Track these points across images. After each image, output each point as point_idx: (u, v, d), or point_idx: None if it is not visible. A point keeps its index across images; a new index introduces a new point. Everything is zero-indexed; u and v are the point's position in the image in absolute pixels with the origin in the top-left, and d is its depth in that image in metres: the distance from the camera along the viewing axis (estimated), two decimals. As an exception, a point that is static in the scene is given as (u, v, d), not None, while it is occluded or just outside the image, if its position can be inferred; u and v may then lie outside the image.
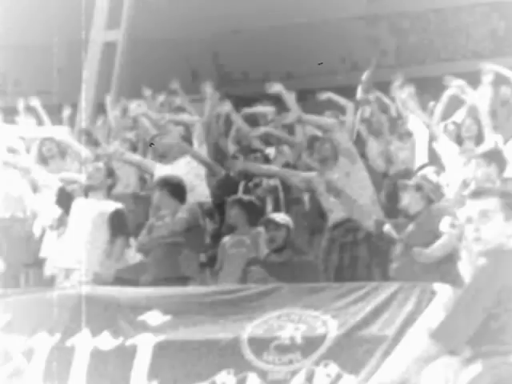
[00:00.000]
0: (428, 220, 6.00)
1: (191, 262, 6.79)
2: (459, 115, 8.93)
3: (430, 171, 6.04)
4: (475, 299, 3.27)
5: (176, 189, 6.99)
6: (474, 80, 8.47)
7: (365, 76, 9.20)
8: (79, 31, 8.96)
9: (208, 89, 9.38)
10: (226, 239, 7.17)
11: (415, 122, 8.64)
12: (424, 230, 5.95)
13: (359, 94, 9.01)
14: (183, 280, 6.56)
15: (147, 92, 9.80)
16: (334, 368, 4.84)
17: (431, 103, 9.10)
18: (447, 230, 5.93)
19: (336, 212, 7.03)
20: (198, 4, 11.51)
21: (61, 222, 7.29)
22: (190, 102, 9.79)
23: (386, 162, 8.59)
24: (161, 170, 7.85)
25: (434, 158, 7.99)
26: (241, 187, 7.91)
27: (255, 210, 7.26)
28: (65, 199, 7.21)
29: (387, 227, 6.20)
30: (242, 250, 6.97)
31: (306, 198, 7.97)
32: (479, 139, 8.19)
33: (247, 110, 9.56)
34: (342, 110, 8.80)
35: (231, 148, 9.26)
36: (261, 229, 7.01)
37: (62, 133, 8.56)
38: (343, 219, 6.96)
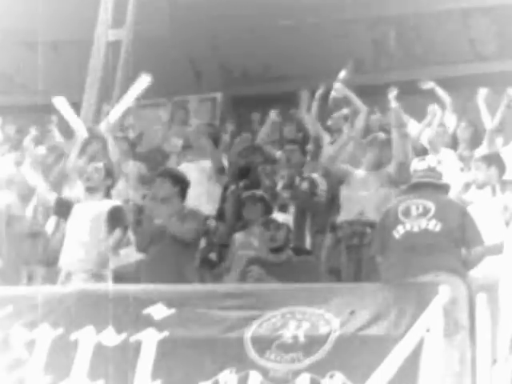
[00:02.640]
0: None
1: (190, 266, 6.77)
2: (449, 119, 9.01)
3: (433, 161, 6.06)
4: None
5: (179, 181, 6.94)
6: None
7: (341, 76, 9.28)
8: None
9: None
10: (237, 237, 7.26)
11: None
12: None
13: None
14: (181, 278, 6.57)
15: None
16: (340, 378, 4.82)
17: (431, 107, 9.20)
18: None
19: (349, 210, 7.12)
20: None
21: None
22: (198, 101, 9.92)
23: None
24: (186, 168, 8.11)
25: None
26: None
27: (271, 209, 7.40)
28: (64, 208, 7.25)
29: None
30: (249, 252, 7.04)
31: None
32: (475, 142, 8.25)
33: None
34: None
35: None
36: None
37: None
38: (354, 219, 7.05)
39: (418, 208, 5.65)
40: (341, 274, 7.09)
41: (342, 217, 7.23)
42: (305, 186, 7.92)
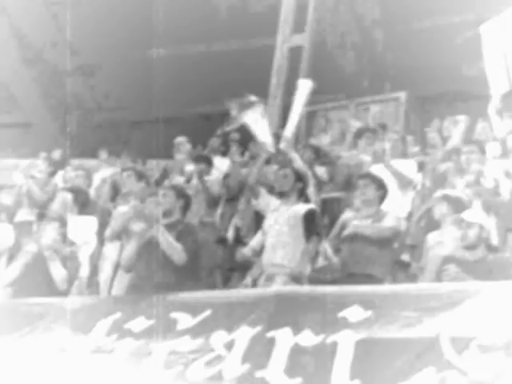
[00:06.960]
0: None
1: (383, 262, 6.89)
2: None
3: None
4: None
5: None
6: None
7: None
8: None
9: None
10: (430, 236, 7.33)
11: None
12: None
13: None
14: (370, 278, 6.70)
15: None
16: None
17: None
18: None
19: None
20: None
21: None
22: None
23: None
24: None
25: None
26: None
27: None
28: None
29: None
30: (442, 251, 7.00)
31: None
32: None
33: None
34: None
35: None
36: None
37: None
38: None
39: None
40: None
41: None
42: None
